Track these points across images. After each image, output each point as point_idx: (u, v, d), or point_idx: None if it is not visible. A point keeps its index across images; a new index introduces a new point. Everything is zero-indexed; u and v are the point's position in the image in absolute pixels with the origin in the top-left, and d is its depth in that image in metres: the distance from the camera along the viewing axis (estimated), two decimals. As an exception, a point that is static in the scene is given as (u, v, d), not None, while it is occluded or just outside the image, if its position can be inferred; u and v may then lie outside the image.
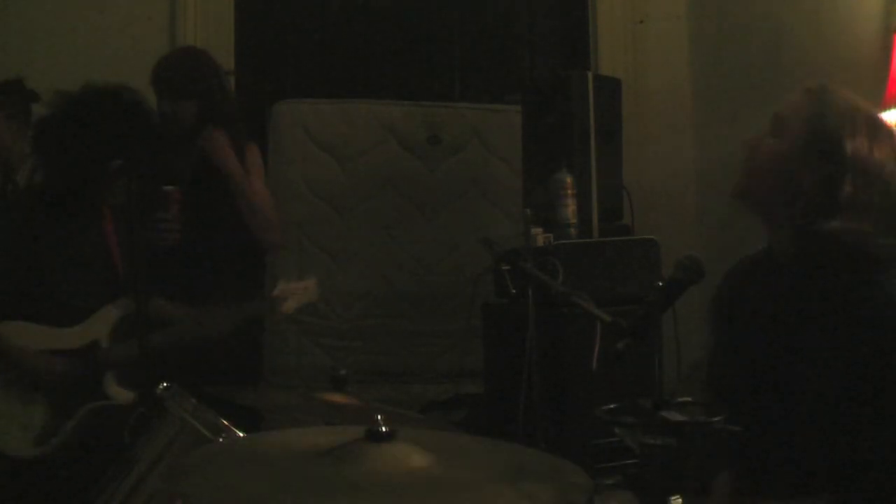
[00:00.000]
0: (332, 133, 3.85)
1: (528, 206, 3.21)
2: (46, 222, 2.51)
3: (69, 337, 2.46)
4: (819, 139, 1.73)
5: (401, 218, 3.90)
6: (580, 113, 3.27)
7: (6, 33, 3.59)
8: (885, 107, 3.02)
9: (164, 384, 1.98)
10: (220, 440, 1.84)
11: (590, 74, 3.38)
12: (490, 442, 1.52)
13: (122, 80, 3.53)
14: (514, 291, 2.40)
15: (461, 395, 3.46)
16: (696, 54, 4.27)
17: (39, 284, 2.47)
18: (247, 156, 3.15)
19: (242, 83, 3.87)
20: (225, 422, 1.92)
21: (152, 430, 1.91)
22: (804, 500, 1.72)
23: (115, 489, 1.83)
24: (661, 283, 1.79)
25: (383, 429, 1.31)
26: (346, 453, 1.29)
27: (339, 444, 1.31)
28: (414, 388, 3.80)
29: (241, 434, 1.90)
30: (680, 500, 1.42)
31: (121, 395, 2.47)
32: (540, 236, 3.00)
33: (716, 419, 1.44)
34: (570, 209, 3.16)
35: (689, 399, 1.51)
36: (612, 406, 1.52)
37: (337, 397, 1.92)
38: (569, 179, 3.17)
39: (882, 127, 1.78)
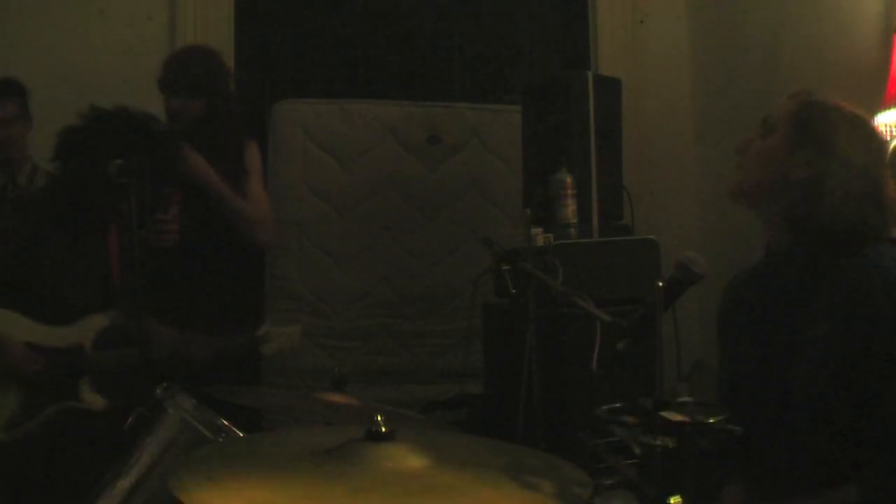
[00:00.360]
0: (332, 133, 3.85)
1: (528, 206, 3.21)
2: (53, 223, 2.56)
3: (55, 336, 2.52)
4: (805, 136, 1.82)
5: (401, 218, 3.90)
6: (580, 113, 3.27)
7: (6, 33, 3.59)
8: (885, 107, 3.02)
9: (164, 384, 1.99)
10: (220, 440, 1.84)
11: (590, 74, 3.37)
12: (490, 442, 1.52)
13: (123, 80, 3.57)
14: (514, 291, 2.40)
15: (461, 395, 3.45)
16: (696, 54, 4.27)
17: (37, 280, 2.51)
18: (246, 154, 3.16)
19: (242, 83, 3.87)
20: (225, 422, 1.92)
21: (152, 430, 1.91)
22: None
23: (115, 489, 1.84)
24: (661, 283, 1.79)
25: (383, 429, 1.31)
26: (346, 453, 1.29)
27: (339, 444, 1.31)
28: (414, 388, 3.80)
29: (241, 434, 1.90)
30: (680, 500, 1.42)
31: (93, 400, 2.53)
32: (540, 236, 2.99)
33: (716, 419, 1.43)
34: (570, 209, 3.16)
35: (689, 399, 1.51)
36: (612, 406, 1.52)
37: (337, 397, 1.92)
38: (569, 179, 3.17)
39: (862, 124, 1.87)
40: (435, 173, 3.94)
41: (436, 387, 3.74)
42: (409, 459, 1.29)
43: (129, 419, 1.95)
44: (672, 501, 1.45)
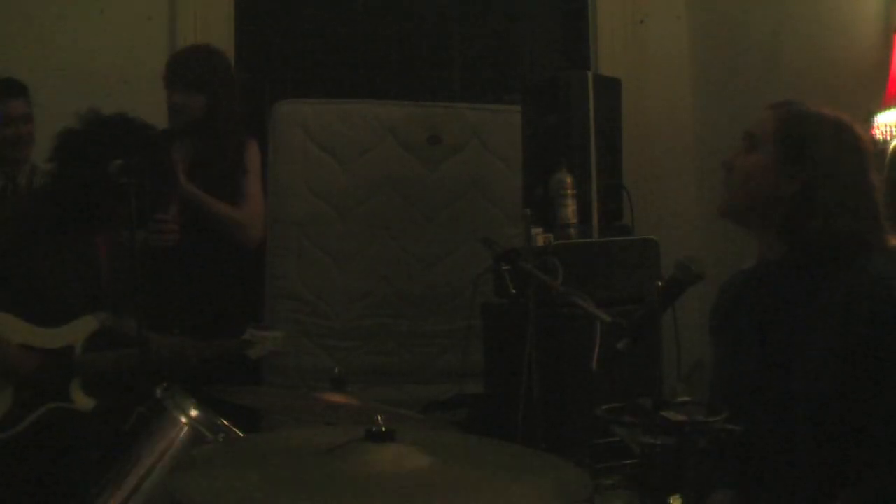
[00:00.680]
0: (332, 133, 3.85)
1: (528, 206, 3.21)
2: (46, 225, 2.57)
3: (47, 337, 2.54)
4: (791, 150, 1.82)
5: (401, 218, 3.89)
6: (580, 113, 3.27)
7: (7, 33, 3.59)
8: (885, 107, 3.03)
9: (164, 384, 1.99)
10: (220, 440, 1.84)
11: (590, 74, 3.37)
12: (490, 442, 1.52)
13: (123, 80, 3.57)
14: (514, 291, 2.40)
15: (461, 395, 3.45)
16: (696, 54, 4.28)
17: (29, 282, 2.53)
18: (246, 154, 3.17)
19: (242, 83, 3.87)
20: (225, 422, 1.92)
21: (152, 430, 1.91)
22: None
23: (114, 489, 1.84)
24: (661, 283, 1.79)
25: (383, 429, 1.31)
26: (346, 453, 1.29)
27: (339, 444, 1.31)
28: (414, 388, 3.80)
29: (241, 434, 1.90)
30: (680, 501, 1.42)
31: (83, 401, 2.54)
32: (540, 236, 2.99)
33: (716, 419, 1.43)
34: (570, 209, 3.16)
35: (689, 399, 1.51)
36: (612, 406, 1.52)
37: (337, 397, 1.92)
38: (569, 179, 3.17)
39: (846, 129, 1.86)
40: (435, 173, 3.94)
41: (436, 387, 3.74)
42: (409, 459, 1.29)
43: (130, 419, 1.96)
44: (672, 501, 1.45)
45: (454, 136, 3.96)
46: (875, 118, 3.03)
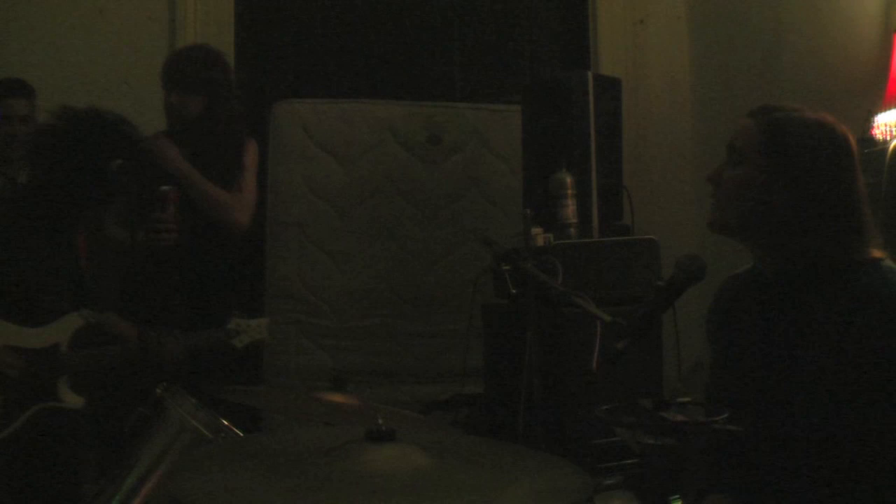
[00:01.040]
0: (332, 133, 3.85)
1: (528, 206, 3.21)
2: (23, 224, 2.56)
3: (31, 337, 2.53)
4: (776, 160, 1.79)
5: (401, 218, 3.89)
6: (580, 113, 3.27)
7: (7, 33, 3.59)
8: (885, 107, 3.03)
9: (164, 385, 1.99)
10: (220, 440, 1.84)
11: (590, 74, 3.37)
12: (490, 442, 1.52)
13: (123, 80, 3.57)
14: (514, 291, 2.40)
15: (461, 395, 3.45)
16: (696, 54, 4.28)
17: (10, 283, 2.53)
18: (245, 153, 3.16)
19: (242, 83, 3.87)
20: (225, 422, 1.92)
21: (152, 430, 1.91)
22: None
23: (115, 489, 1.84)
24: (661, 283, 1.79)
25: (383, 429, 1.31)
26: (346, 453, 1.29)
27: (339, 444, 1.31)
28: (414, 388, 3.80)
29: (241, 434, 1.90)
30: (679, 502, 1.42)
31: (72, 399, 2.54)
32: (540, 236, 2.99)
33: (716, 419, 1.44)
34: (570, 209, 3.16)
35: (689, 399, 1.51)
36: (612, 406, 1.52)
37: (337, 397, 1.92)
38: (569, 179, 3.17)
39: (829, 130, 1.82)
40: (435, 173, 3.94)
41: (436, 387, 3.74)
42: (409, 459, 1.29)
43: (130, 419, 1.96)
44: (671, 502, 1.46)
45: (454, 136, 3.96)
46: (875, 118, 3.03)
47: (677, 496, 1.43)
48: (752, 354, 1.85)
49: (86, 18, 3.69)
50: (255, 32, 4.07)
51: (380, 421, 1.32)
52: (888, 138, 2.98)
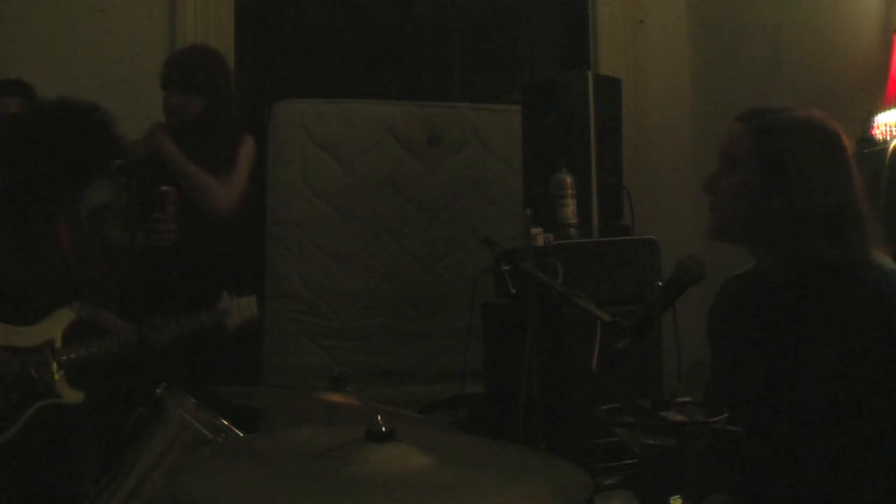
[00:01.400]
0: (332, 133, 3.85)
1: (528, 206, 3.21)
2: (3, 221, 2.55)
3: (24, 335, 2.53)
4: (770, 166, 1.77)
5: (401, 218, 3.90)
6: (580, 113, 3.27)
7: (6, 33, 3.59)
8: (885, 107, 3.03)
9: (164, 384, 1.99)
10: (220, 440, 1.84)
11: (590, 74, 3.38)
12: (490, 442, 1.52)
13: (123, 80, 3.57)
14: (514, 291, 2.40)
15: (461, 395, 3.45)
16: (696, 54, 4.28)
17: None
18: (240, 148, 3.17)
19: (242, 83, 3.88)
20: (225, 422, 1.92)
21: (152, 430, 1.91)
22: None
23: (115, 489, 1.84)
24: (661, 283, 1.79)
25: (383, 429, 1.31)
26: (346, 453, 1.29)
27: (339, 444, 1.31)
28: (414, 388, 3.80)
29: (241, 434, 1.90)
30: (679, 502, 1.42)
31: (71, 394, 2.53)
32: (540, 236, 2.99)
33: (716, 420, 1.43)
34: (570, 209, 3.16)
35: (689, 399, 1.51)
36: (612, 406, 1.52)
37: (337, 397, 1.92)
38: (569, 179, 3.17)
39: (821, 129, 1.81)
40: (435, 173, 3.94)
41: (436, 387, 3.74)
42: (409, 459, 1.29)
43: (130, 419, 1.95)
44: (672, 502, 1.46)
45: (454, 136, 3.96)
46: (875, 118, 3.03)
47: (677, 496, 1.43)
48: (754, 355, 1.85)
49: (86, 18, 3.68)
50: (255, 32, 4.07)
51: (380, 421, 1.32)
52: (888, 138, 2.97)
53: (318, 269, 3.81)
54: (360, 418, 1.70)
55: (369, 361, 3.81)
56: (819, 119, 1.82)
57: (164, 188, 2.89)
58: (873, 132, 3.01)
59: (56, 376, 2.53)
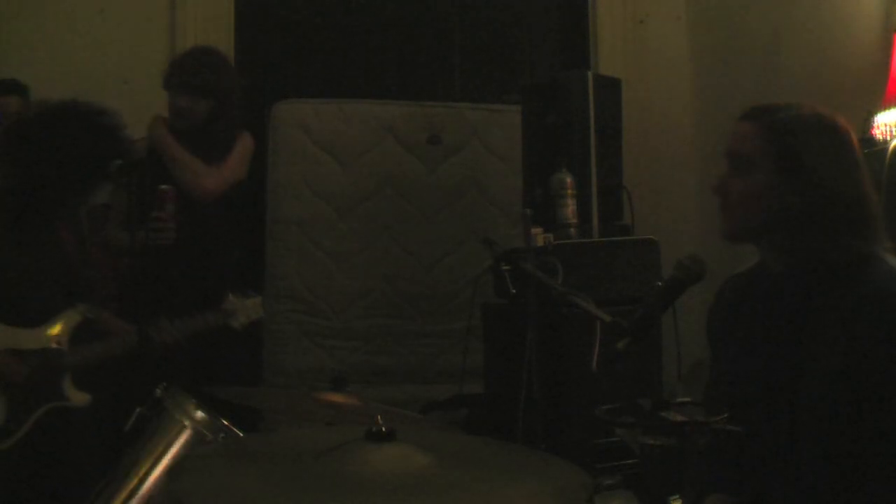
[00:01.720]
0: (332, 133, 3.85)
1: (528, 206, 3.21)
2: (6, 223, 2.54)
3: (30, 338, 2.51)
4: (787, 166, 1.77)
5: (401, 218, 3.90)
6: (580, 113, 3.27)
7: (7, 33, 3.59)
8: (885, 107, 3.03)
9: (164, 385, 1.99)
10: (220, 440, 1.84)
11: (590, 74, 3.38)
12: (490, 442, 1.52)
13: (123, 80, 3.58)
14: (514, 291, 2.40)
15: (461, 395, 3.45)
16: (696, 54, 4.28)
17: (2, 285, 2.50)
18: (238, 141, 3.18)
19: (242, 83, 3.87)
20: (225, 422, 1.92)
21: (152, 430, 1.91)
22: None
23: (115, 489, 1.84)
24: (661, 283, 1.79)
25: (383, 429, 1.31)
26: (346, 453, 1.29)
27: (339, 444, 1.31)
28: (414, 388, 3.80)
29: (241, 434, 1.90)
30: (679, 501, 1.42)
31: (78, 397, 2.53)
32: (540, 236, 2.99)
33: (716, 419, 1.44)
34: (570, 209, 3.16)
35: (689, 399, 1.51)
36: (612, 406, 1.52)
37: (337, 397, 1.92)
38: (569, 179, 3.17)
39: (831, 126, 1.81)
40: (435, 173, 3.94)
41: (436, 387, 3.74)
42: (409, 459, 1.29)
43: (130, 419, 1.95)
44: (671, 502, 1.46)
45: (454, 136, 3.96)
46: (875, 118, 3.03)
47: (677, 496, 1.43)
48: (755, 354, 1.85)
49: (86, 18, 3.68)
50: (255, 32, 4.07)
51: (380, 421, 1.32)
52: (888, 138, 2.97)
53: (318, 269, 3.81)
54: (360, 418, 1.70)
55: (369, 361, 3.81)
56: (829, 116, 1.82)
57: (163, 187, 2.89)
58: (873, 132, 3.01)
59: (63, 378, 2.52)
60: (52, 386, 2.50)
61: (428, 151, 3.93)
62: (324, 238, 3.82)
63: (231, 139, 3.17)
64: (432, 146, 3.94)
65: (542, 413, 2.45)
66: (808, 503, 1.73)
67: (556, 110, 3.33)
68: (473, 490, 1.25)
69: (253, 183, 3.49)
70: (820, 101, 1.90)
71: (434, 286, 3.89)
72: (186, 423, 1.88)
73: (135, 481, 1.83)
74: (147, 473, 1.83)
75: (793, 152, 1.77)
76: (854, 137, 1.83)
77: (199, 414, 1.91)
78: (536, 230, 2.98)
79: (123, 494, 1.81)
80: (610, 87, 3.42)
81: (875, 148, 2.97)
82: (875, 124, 3.02)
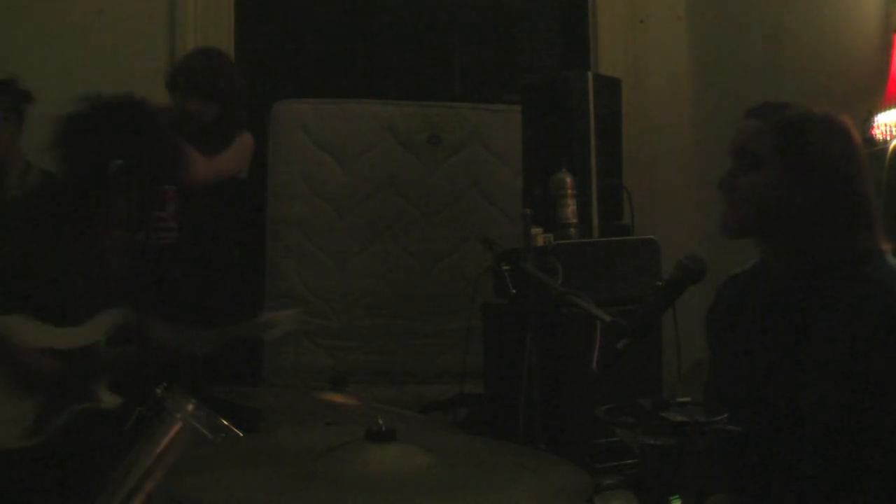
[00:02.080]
0: (332, 133, 3.85)
1: (528, 206, 3.21)
2: (52, 221, 2.52)
3: (67, 337, 2.49)
4: (796, 163, 1.78)
5: (401, 218, 3.90)
6: (580, 113, 3.27)
7: (6, 33, 3.59)
8: (885, 107, 3.03)
9: (164, 384, 1.98)
10: (220, 440, 1.84)
11: (590, 74, 3.37)
12: (490, 442, 1.52)
13: (123, 80, 3.57)
14: (514, 291, 2.40)
15: (461, 395, 3.46)
16: (696, 54, 4.28)
17: (41, 283, 2.49)
18: (235, 140, 3.18)
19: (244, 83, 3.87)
20: (225, 422, 1.92)
21: (152, 430, 1.91)
22: None
23: (115, 489, 1.84)
24: (661, 283, 1.79)
25: (383, 429, 1.31)
26: (346, 453, 1.29)
27: (339, 444, 1.31)
28: (414, 388, 3.80)
29: (241, 434, 1.90)
30: (679, 502, 1.42)
31: (110, 400, 2.51)
32: (540, 236, 2.99)
33: (716, 420, 1.43)
34: (570, 209, 3.16)
35: (689, 399, 1.50)
36: (612, 406, 1.52)
37: (337, 397, 1.92)
38: (569, 179, 3.17)
39: (837, 125, 1.82)
40: (435, 173, 3.94)
41: (436, 387, 3.74)
42: (409, 459, 1.29)
43: (130, 419, 1.95)
44: (672, 501, 1.46)
45: (454, 136, 3.96)
46: (875, 118, 3.03)
47: (677, 496, 1.43)
48: (755, 353, 1.85)
49: (86, 18, 3.68)
50: (255, 32, 4.07)
51: (380, 421, 1.32)
52: (888, 138, 2.98)
53: (318, 269, 3.81)
54: (360, 418, 1.70)
55: (369, 361, 3.81)
56: (833, 115, 1.83)
57: (164, 187, 2.89)
58: (873, 132, 3.02)
59: (96, 380, 2.51)
60: (84, 387, 2.49)
61: (428, 151, 3.93)
62: (324, 238, 3.82)
63: (231, 137, 3.17)
64: (432, 146, 3.94)
65: (542, 413, 2.44)
66: (808, 503, 1.73)
67: (556, 110, 3.33)
68: (473, 490, 1.25)
69: (253, 183, 3.50)
70: (820, 101, 1.90)
71: (434, 286, 3.89)
72: (186, 423, 1.88)
73: (135, 481, 1.83)
74: (147, 473, 1.83)
75: (801, 150, 1.78)
76: (858, 137, 1.84)
77: (199, 414, 1.91)
78: (536, 230, 2.98)
79: (123, 494, 1.81)
80: (610, 87, 3.42)
81: (875, 148, 2.98)
82: (875, 124, 3.02)
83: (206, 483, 1.24)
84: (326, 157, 3.84)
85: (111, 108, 2.51)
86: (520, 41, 4.43)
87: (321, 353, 3.78)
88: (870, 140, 3.01)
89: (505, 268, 2.46)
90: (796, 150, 1.78)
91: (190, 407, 1.92)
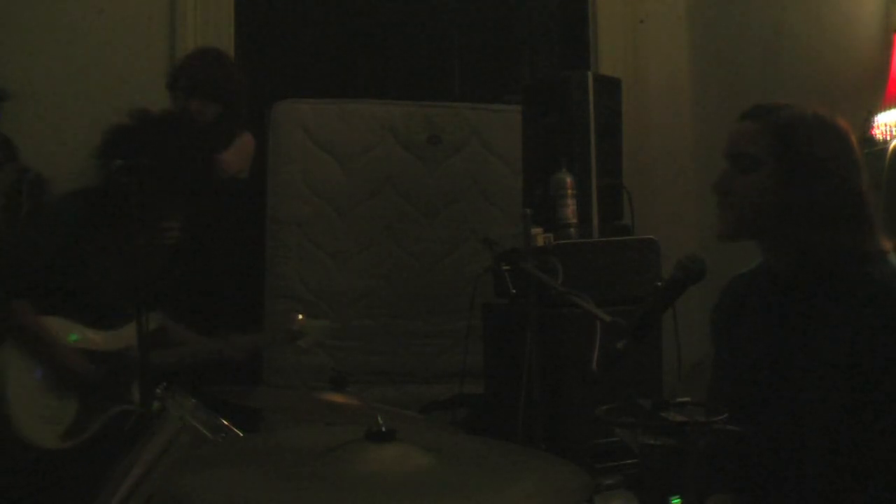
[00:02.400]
0: (332, 133, 3.85)
1: (527, 206, 3.21)
2: (92, 227, 2.55)
3: (105, 340, 2.52)
4: (792, 165, 1.78)
5: (401, 218, 3.90)
6: (580, 113, 3.27)
7: (6, 33, 3.58)
8: (885, 107, 3.03)
9: (164, 385, 1.99)
10: (220, 440, 1.84)
11: (590, 74, 3.37)
12: (490, 442, 1.52)
13: (123, 80, 3.57)
14: (514, 291, 2.40)
15: (461, 395, 3.46)
16: (696, 54, 4.28)
17: (82, 286, 2.51)
18: (236, 139, 3.18)
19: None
20: (225, 422, 1.93)
21: (152, 430, 1.91)
22: None
23: (115, 489, 1.84)
24: (660, 283, 1.79)
25: (383, 429, 1.31)
26: (346, 453, 1.29)
27: (339, 444, 1.31)
28: (414, 388, 3.80)
29: (241, 434, 1.90)
30: (679, 501, 1.42)
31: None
32: (540, 236, 2.99)
33: (716, 420, 1.43)
34: (570, 209, 3.16)
35: (689, 399, 1.50)
36: (612, 406, 1.52)
37: (337, 397, 1.92)
38: (569, 179, 3.17)
39: (832, 125, 1.82)
40: (435, 173, 3.94)
41: (436, 387, 3.74)
42: (409, 459, 1.29)
43: (130, 419, 1.95)
44: (672, 501, 1.46)
45: (454, 136, 3.96)
46: (875, 118, 3.03)
47: (677, 496, 1.43)
48: (761, 353, 1.85)
49: (86, 18, 3.68)
50: (255, 32, 4.07)
51: (380, 421, 1.32)
52: (888, 138, 2.98)
53: (318, 269, 3.81)
54: (360, 418, 1.70)
55: (369, 361, 3.81)
56: (829, 116, 1.83)
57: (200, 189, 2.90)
58: (873, 132, 3.02)
59: (134, 383, 2.52)
60: (122, 389, 2.50)
61: (428, 151, 3.93)
62: (324, 238, 3.82)
63: (231, 137, 3.18)
64: (432, 146, 3.94)
65: (542, 413, 2.45)
66: (809, 503, 1.73)
67: (556, 110, 3.33)
68: (473, 490, 1.25)
69: (253, 183, 3.50)
70: (820, 101, 1.90)
71: (434, 286, 3.89)
72: (186, 423, 1.88)
73: (135, 481, 1.83)
74: (147, 473, 1.83)
75: (797, 151, 1.78)
76: (854, 137, 1.84)
77: (199, 414, 1.91)
78: (536, 230, 2.98)
79: (123, 494, 1.81)
80: (610, 87, 3.42)
81: (875, 148, 2.97)
82: (875, 124, 3.02)
83: (206, 483, 1.24)
84: (326, 157, 3.84)
85: (154, 121, 2.58)
86: (520, 41, 4.43)
87: (321, 353, 3.78)
88: (870, 140, 3.01)
89: (505, 268, 2.46)
90: (791, 151, 1.79)
91: (190, 407, 1.92)
